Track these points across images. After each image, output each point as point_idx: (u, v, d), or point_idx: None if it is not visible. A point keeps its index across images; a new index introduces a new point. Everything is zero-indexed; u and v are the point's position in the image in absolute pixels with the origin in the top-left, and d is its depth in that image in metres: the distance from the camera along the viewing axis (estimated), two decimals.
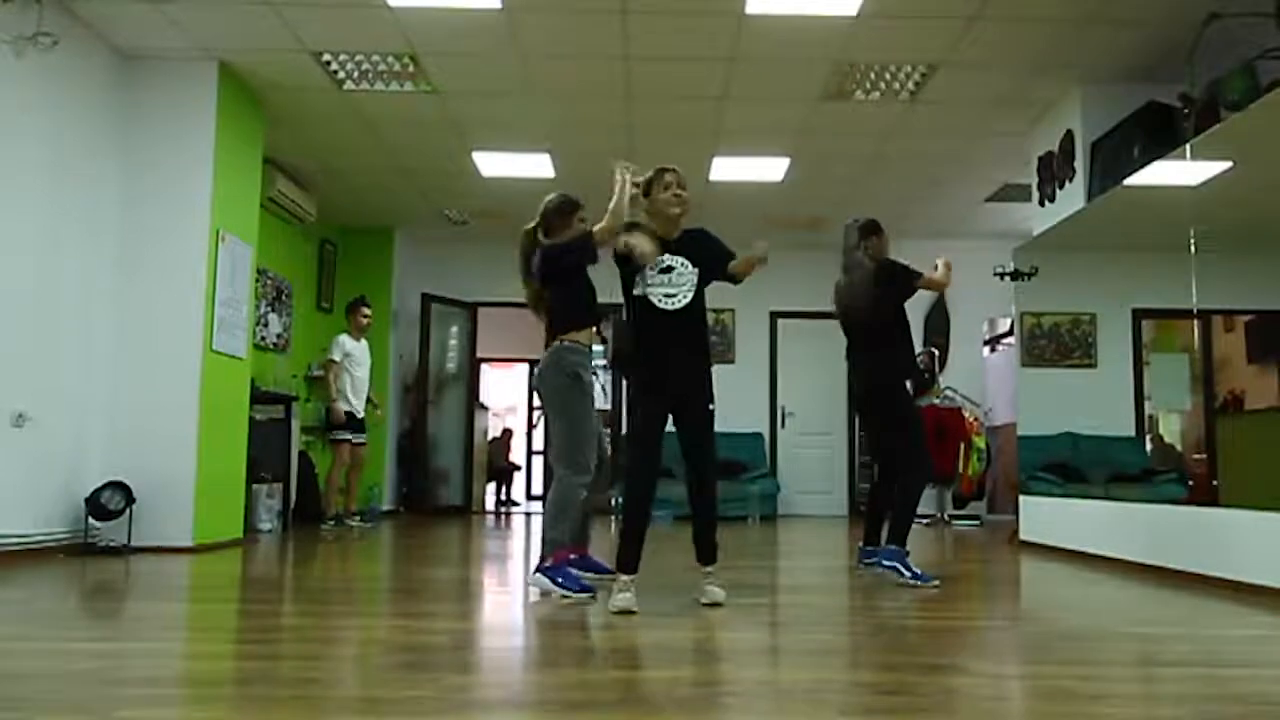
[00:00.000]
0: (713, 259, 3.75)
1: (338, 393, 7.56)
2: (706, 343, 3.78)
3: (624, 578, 3.53)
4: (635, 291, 3.63)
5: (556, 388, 3.94)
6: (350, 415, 7.61)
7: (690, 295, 3.64)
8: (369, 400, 7.91)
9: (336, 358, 7.61)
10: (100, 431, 5.53)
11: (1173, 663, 2.85)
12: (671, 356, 3.66)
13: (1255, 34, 4.68)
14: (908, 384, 4.75)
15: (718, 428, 4.07)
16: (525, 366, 13.90)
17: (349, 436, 7.60)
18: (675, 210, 3.71)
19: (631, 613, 3.38)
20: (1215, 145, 4.70)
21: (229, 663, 2.79)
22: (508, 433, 13.17)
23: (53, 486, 5.17)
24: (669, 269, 3.64)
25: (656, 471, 3.64)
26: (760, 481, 9.56)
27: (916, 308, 9.94)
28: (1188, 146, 4.81)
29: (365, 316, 7.84)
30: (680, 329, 3.66)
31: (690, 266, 3.67)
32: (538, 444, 12.99)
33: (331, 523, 7.50)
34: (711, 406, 3.74)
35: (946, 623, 3.56)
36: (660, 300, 3.61)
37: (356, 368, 7.73)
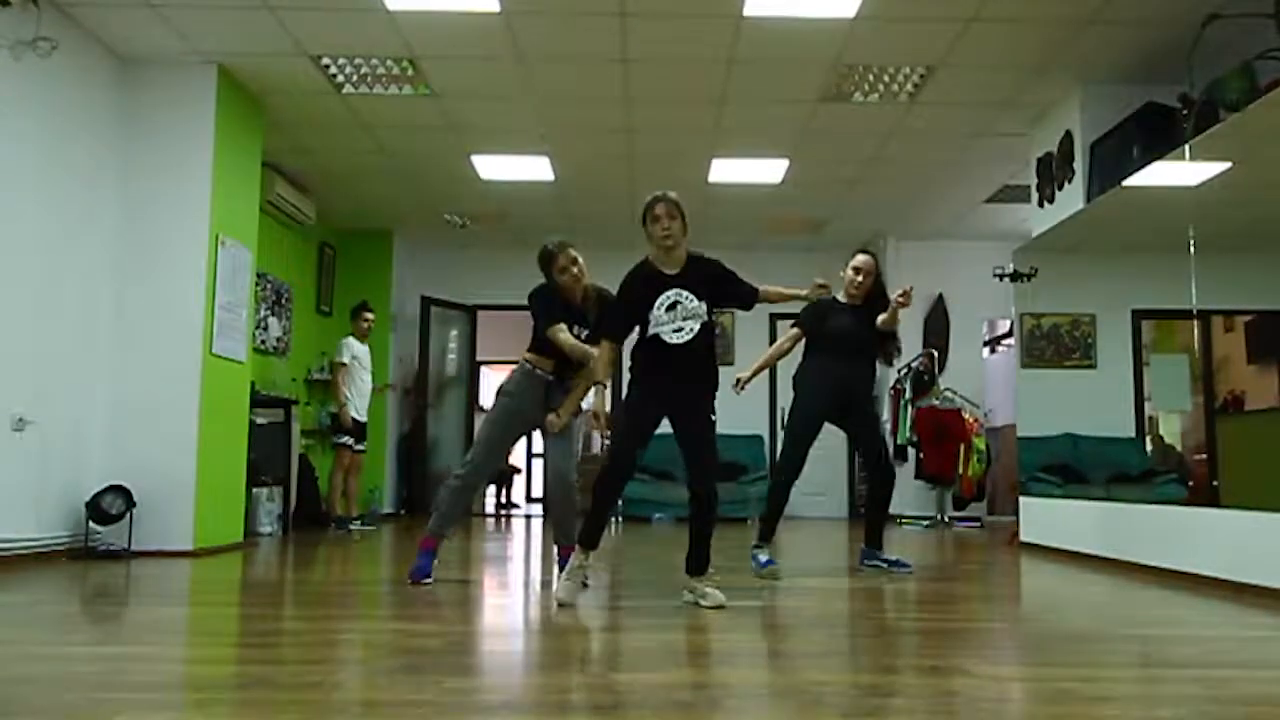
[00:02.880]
0: (724, 291, 3.79)
1: (346, 397, 7.59)
2: (713, 370, 3.81)
3: (584, 555, 3.75)
4: (648, 333, 3.67)
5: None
6: (355, 421, 7.64)
7: (697, 328, 3.65)
8: (380, 387, 8.01)
9: (345, 360, 7.63)
10: (100, 435, 5.53)
11: (1173, 664, 2.84)
12: (676, 385, 3.71)
13: (1254, 34, 4.69)
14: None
15: (719, 429, 4.13)
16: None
17: (351, 442, 7.63)
18: (667, 244, 3.67)
19: (568, 605, 3.60)
20: (1214, 146, 4.71)
21: (229, 666, 2.79)
22: None
23: (53, 490, 5.17)
24: (674, 304, 3.65)
25: (631, 473, 3.77)
26: (759, 483, 9.54)
27: (916, 308, 10.01)
28: (1187, 147, 4.81)
29: (368, 321, 7.90)
30: (687, 360, 3.68)
31: (696, 300, 3.66)
32: (537, 446, 12.98)
33: (333, 525, 7.51)
34: (714, 417, 3.80)
35: (947, 624, 3.56)
36: (670, 336, 3.64)
37: (363, 371, 7.78)
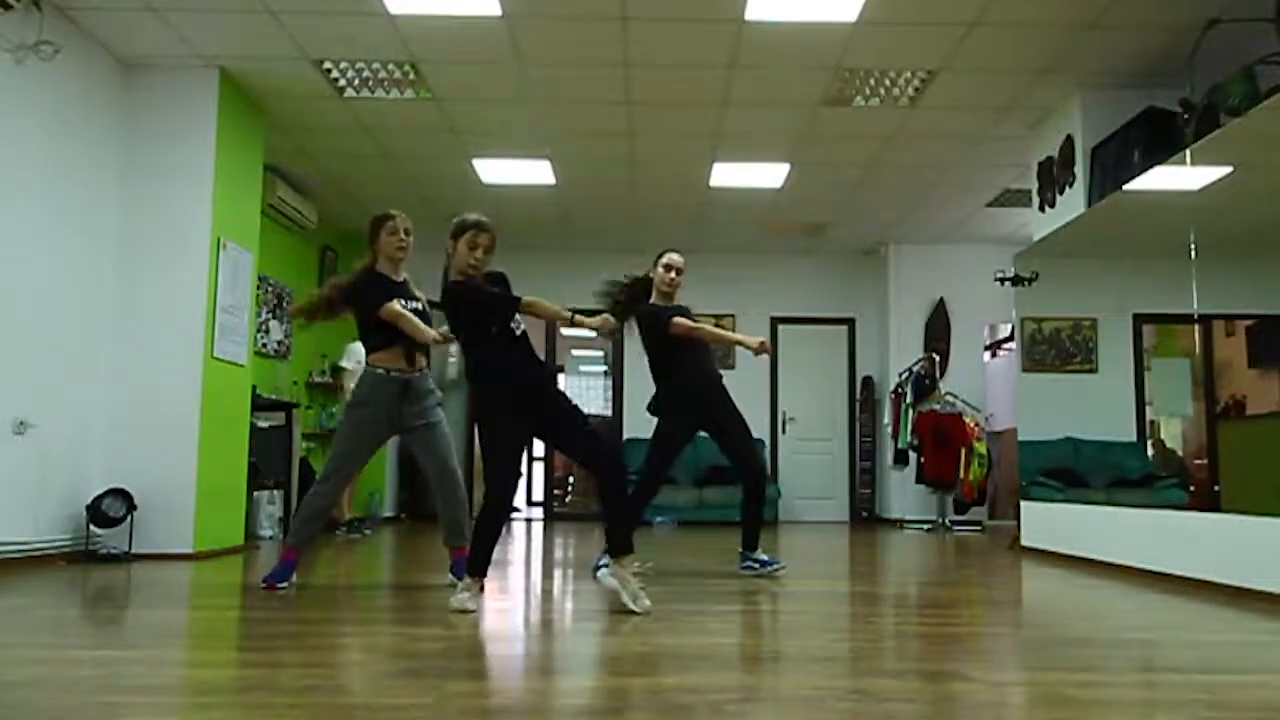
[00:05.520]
0: None
1: None
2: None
3: (470, 580, 3.69)
4: (496, 328, 3.72)
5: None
6: None
7: (521, 321, 3.80)
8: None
9: (349, 365, 7.74)
10: (101, 438, 5.53)
11: (1174, 669, 2.84)
12: (538, 379, 3.82)
13: (1255, 39, 4.69)
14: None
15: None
16: None
17: None
18: (475, 269, 3.80)
19: (470, 611, 3.55)
20: (1215, 150, 4.71)
21: (230, 670, 2.79)
22: None
23: (54, 493, 5.17)
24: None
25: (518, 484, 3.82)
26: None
27: (917, 312, 10.03)
28: (1188, 152, 4.82)
29: None
30: (528, 349, 3.81)
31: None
32: (538, 450, 12.98)
33: (345, 529, 7.52)
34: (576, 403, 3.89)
35: (947, 629, 3.56)
36: (516, 329, 3.75)
37: None
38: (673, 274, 4.87)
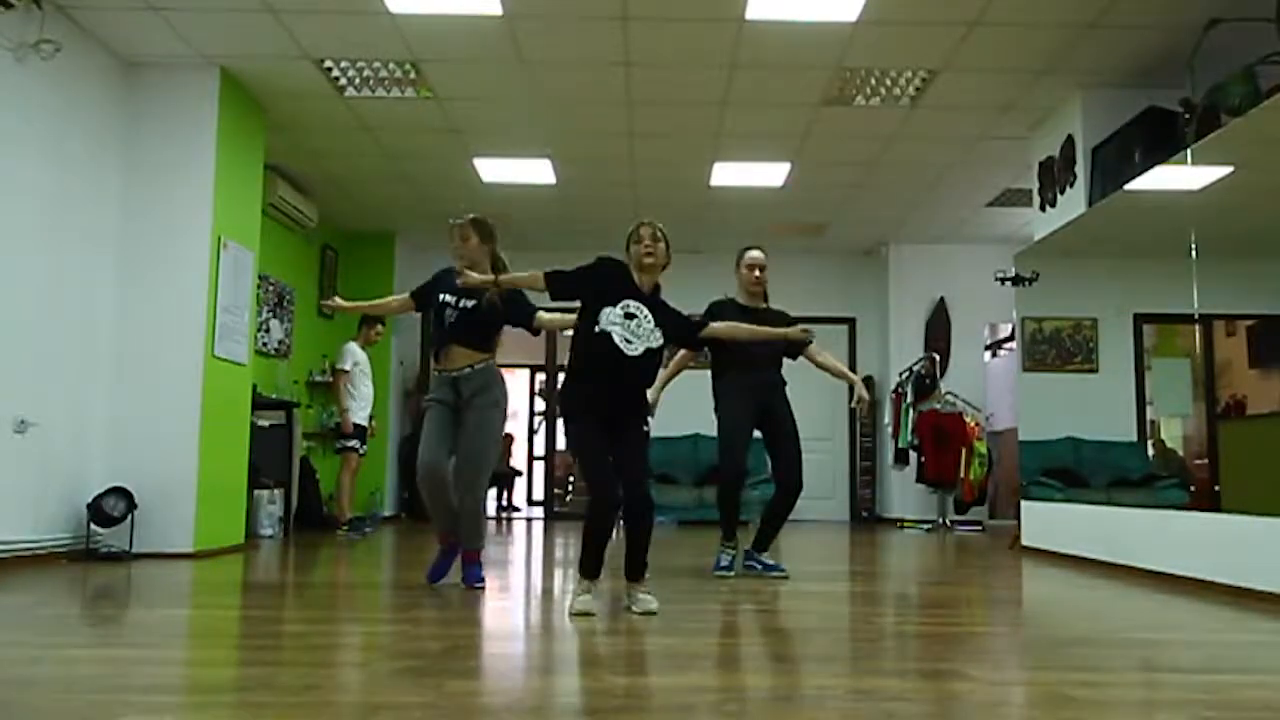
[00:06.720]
0: (676, 328, 3.81)
1: (350, 402, 7.58)
2: (645, 396, 3.83)
3: (586, 582, 3.66)
4: (597, 328, 3.64)
5: None
6: (356, 426, 7.63)
7: (642, 349, 3.65)
8: (370, 418, 7.93)
9: (347, 366, 7.62)
10: (102, 437, 5.53)
11: (1174, 669, 2.84)
12: (612, 391, 3.70)
13: (1256, 39, 4.69)
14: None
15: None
16: (526, 372, 13.91)
17: (357, 445, 7.65)
18: (647, 261, 3.74)
19: (590, 614, 3.52)
20: (1216, 150, 4.71)
21: (231, 669, 2.79)
22: (509, 438, 13.17)
23: (54, 492, 5.17)
24: (632, 315, 3.67)
25: (618, 486, 3.61)
26: (761, 487, 9.54)
27: (916, 312, 10.04)
28: (1188, 151, 4.82)
29: (378, 334, 7.94)
30: (629, 374, 3.68)
31: (652, 324, 3.69)
32: (539, 449, 13.01)
33: (345, 529, 7.46)
34: (646, 428, 3.79)
35: (948, 628, 3.56)
36: (621, 344, 3.62)
37: (364, 377, 7.77)
38: (756, 273, 4.84)
